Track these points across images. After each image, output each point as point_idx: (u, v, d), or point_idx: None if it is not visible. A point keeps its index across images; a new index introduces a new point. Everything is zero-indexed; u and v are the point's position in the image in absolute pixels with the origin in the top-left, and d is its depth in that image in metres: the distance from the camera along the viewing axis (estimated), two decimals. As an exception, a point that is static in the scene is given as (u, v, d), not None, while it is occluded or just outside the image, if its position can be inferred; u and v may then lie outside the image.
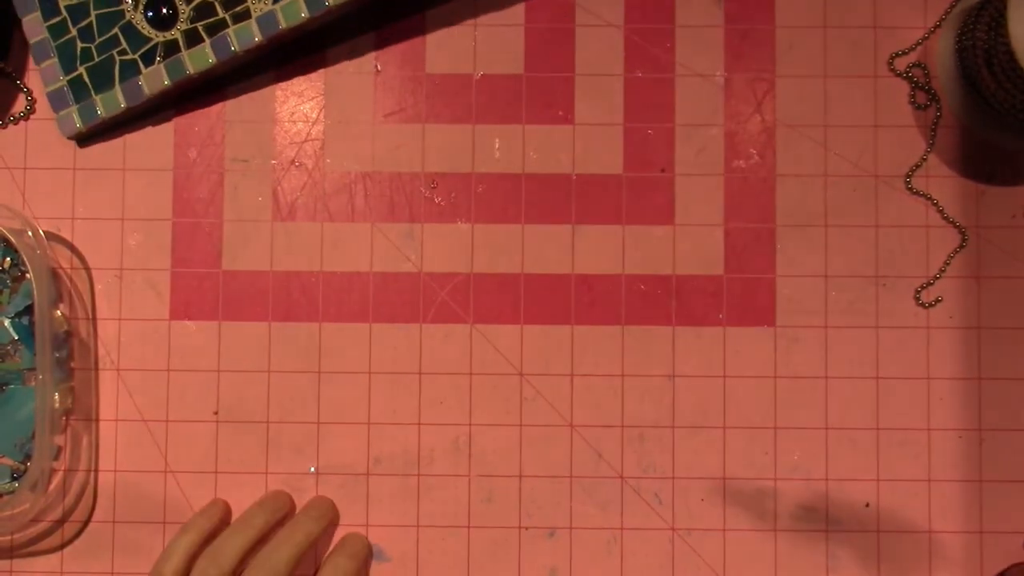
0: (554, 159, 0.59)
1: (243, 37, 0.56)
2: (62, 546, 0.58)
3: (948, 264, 0.58)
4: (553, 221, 0.59)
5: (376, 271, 0.59)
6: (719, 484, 0.58)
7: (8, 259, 0.57)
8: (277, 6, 0.56)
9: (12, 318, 0.57)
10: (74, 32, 0.58)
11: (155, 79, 0.57)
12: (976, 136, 0.59)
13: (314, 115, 0.60)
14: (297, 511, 0.57)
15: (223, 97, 0.60)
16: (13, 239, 0.56)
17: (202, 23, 0.57)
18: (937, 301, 0.58)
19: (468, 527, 0.58)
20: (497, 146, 0.59)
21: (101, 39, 0.58)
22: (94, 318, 0.59)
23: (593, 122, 0.59)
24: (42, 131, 0.60)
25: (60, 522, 0.58)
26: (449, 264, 0.59)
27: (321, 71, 0.60)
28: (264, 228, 0.59)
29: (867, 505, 0.57)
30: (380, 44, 0.60)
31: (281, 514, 0.56)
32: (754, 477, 0.58)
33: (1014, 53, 0.50)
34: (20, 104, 0.60)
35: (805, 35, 0.59)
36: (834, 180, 0.59)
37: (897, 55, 0.59)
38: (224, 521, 0.57)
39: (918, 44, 0.59)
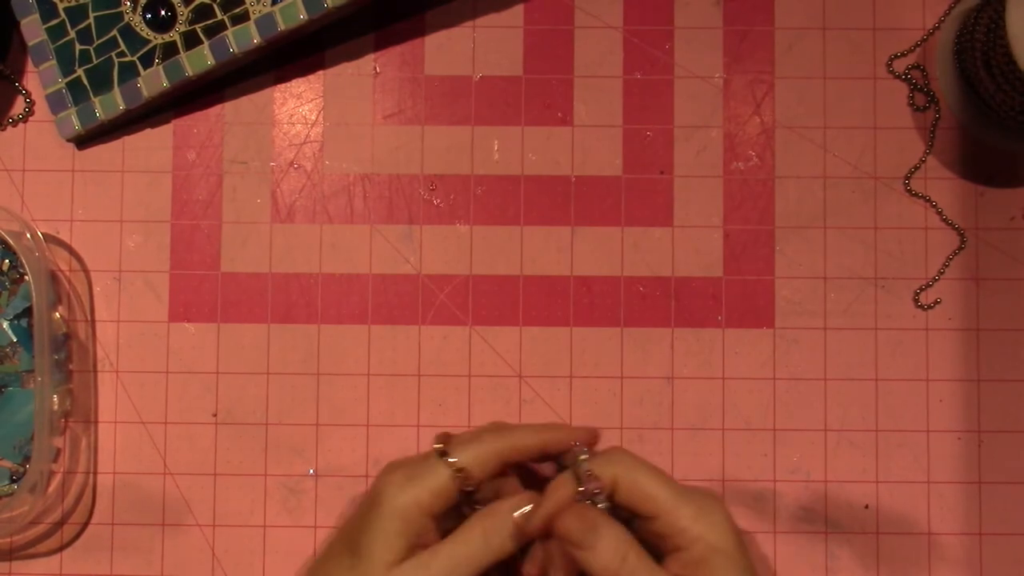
0: (553, 161, 0.59)
1: (242, 39, 0.56)
2: (61, 548, 0.58)
3: (947, 266, 0.58)
4: (552, 223, 0.59)
5: (375, 273, 0.59)
6: (718, 486, 0.58)
7: (7, 261, 0.57)
8: (276, 8, 0.55)
9: (11, 320, 0.57)
10: (73, 34, 0.58)
11: (154, 81, 0.57)
12: (975, 138, 0.59)
13: (313, 117, 0.60)
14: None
15: (222, 99, 0.60)
16: (12, 241, 0.55)
17: (201, 25, 0.57)
18: (936, 303, 0.58)
19: (467, 529, 0.58)
20: (496, 148, 0.59)
21: (100, 41, 0.58)
22: (93, 320, 0.59)
23: (592, 124, 0.59)
24: (41, 133, 0.60)
25: (59, 524, 0.58)
26: (448, 266, 0.59)
27: (320, 73, 0.60)
28: (263, 230, 0.59)
29: (866, 507, 0.57)
30: (379, 46, 0.60)
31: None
32: (753, 479, 0.58)
33: (1013, 55, 0.50)
34: (19, 106, 0.60)
35: (804, 37, 0.59)
36: (833, 182, 0.59)
37: (896, 57, 0.59)
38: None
39: (917, 46, 0.59)
